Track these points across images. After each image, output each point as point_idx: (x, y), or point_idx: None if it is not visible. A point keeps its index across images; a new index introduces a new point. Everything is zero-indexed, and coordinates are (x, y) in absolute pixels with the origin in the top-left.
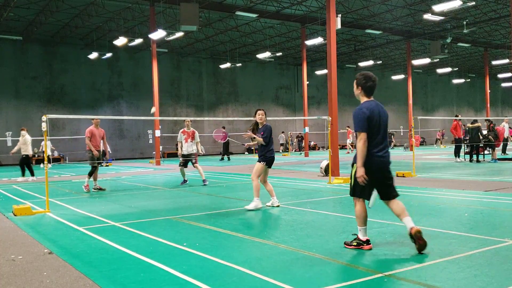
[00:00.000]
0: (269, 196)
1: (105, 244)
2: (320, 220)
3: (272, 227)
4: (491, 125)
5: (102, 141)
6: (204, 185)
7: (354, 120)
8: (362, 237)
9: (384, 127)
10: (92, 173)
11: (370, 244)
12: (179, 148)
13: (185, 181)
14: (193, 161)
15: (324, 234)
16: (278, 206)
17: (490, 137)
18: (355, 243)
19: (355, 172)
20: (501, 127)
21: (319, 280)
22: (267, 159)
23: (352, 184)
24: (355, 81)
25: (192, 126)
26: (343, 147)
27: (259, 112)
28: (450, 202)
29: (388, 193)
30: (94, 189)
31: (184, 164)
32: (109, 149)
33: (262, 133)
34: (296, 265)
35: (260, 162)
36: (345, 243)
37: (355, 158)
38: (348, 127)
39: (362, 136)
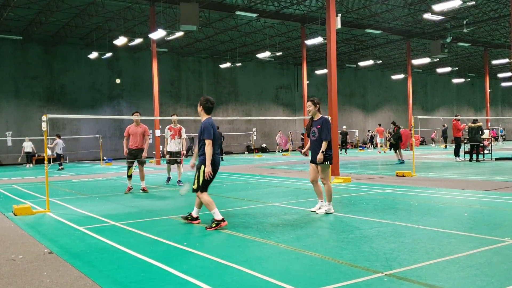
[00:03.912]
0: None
1: (105, 243)
2: (320, 220)
3: (272, 227)
4: (395, 128)
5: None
6: (179, 185)
7: (204, 131)
8: (218, 218)
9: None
10: (129, 174)
11: (225, 221)
12: (165, 145)
13: (169, 178)
14: (179, 160)
15: (324, 234)
16: (327, 213)
17: (391, 139)
18: (214, 224)
19: (203, 171)
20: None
21: (319, 280)
22: (326, 157)
23: (202, 181)
24: (199, 102)
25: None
26: (342, 147)
27: (307, 104)
28: (450, 202)
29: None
30: (141, 190)
31: (170, 162)
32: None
33: (318, 126)
34: (296, 265)
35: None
36: (206, 227)
37: (202, 161)
38: (380, 124)
39: (210, 142)
